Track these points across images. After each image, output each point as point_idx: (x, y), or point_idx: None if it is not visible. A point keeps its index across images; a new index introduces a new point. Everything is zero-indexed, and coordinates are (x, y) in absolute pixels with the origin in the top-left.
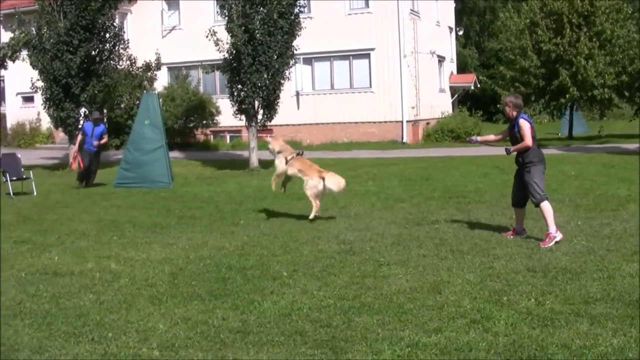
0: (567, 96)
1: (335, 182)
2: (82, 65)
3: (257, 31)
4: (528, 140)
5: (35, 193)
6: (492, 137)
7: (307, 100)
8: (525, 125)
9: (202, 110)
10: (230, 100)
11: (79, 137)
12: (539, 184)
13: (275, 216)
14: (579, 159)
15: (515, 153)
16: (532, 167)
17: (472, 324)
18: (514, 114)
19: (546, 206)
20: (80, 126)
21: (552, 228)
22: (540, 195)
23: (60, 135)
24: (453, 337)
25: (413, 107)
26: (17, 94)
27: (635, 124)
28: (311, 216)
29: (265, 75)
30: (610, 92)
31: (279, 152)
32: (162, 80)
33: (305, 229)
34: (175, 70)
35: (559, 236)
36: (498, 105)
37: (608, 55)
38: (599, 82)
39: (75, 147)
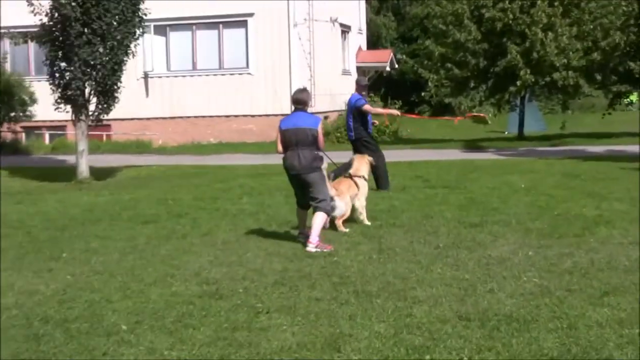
0: (519, 82)
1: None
2: None
3: None
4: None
5: None
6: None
7: (160, 84)
8: None
9: (8, 97)
10: (51, 84)
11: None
12: None
13: (113, 246)
14: (532, 166)
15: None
16: None
17: None
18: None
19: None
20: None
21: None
22: None
23: None
24: None
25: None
26: None
27: (609, 120)
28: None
29: (101, 50)
30: (577, 76)
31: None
32: None
33: (153, 264)
34: None
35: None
36: (423, 94)
37: (574, 25)
38: (561, 62)
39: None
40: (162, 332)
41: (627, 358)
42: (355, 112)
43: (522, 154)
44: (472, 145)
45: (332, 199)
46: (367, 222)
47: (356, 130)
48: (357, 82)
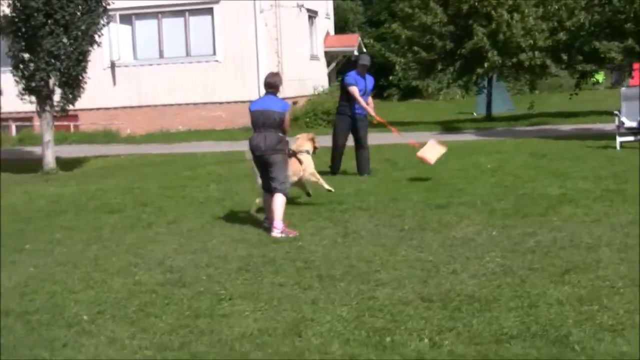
0: (486, 64)
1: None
2: None
3: None
4: None
5: None
6: None
7: (127, 73)
8: None
9: None
10: (15, 75)
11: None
12: None
13: (77, 237)
14: (500, 146)
15: None
16: None
17: None
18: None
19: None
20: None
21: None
22: None
23: None
24: None
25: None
26: None
27: (577, 99)
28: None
29: (65, 40)
30: (543, 56)
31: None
32: None
33: (117, 254)
34: None
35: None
36: (391, 77)
37: (539, 5)
38: (527, 42)
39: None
40: (124, 322)
41: (585, 334)
42: (343, 89)
43: (490, 135)
44: (449, 127)
45: None
46: (326, 186)
47: (339, 105)
48: (357, 61)
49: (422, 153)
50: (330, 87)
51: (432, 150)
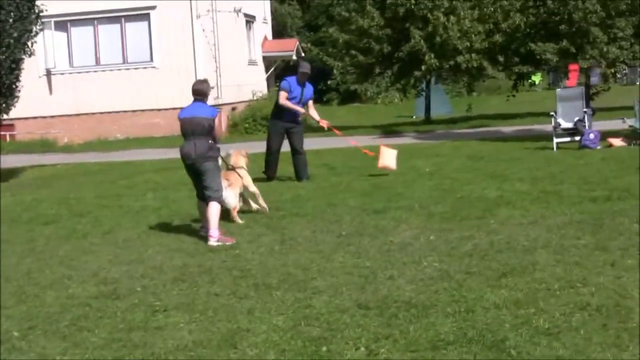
0: (423, 66)
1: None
2: None
3: None
4: None
5: None
6: None
7: (63, 81)
8: None
9: None
10: None
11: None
12: None
13: (11, 249)
14: (438, 149)
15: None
16: None
17: None
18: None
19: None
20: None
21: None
22: None
23: None
24: None
25: (212, 87)
26: None
27: (515, 101)
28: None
29: None
30: (480, 58)
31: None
32: None
33: (51, 266)
34: None
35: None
36: (329, 81)
37: (475, 8)
38: (464, 45)
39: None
40: (56, 337)
41: (521, 338)
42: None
43: (429, 138)
44: (388, 130)
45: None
46: (262, 204)
47: (273, 110)
48: (297, 67)
49: (383, 163)
50: (268, 92)
51: (388, 156)
